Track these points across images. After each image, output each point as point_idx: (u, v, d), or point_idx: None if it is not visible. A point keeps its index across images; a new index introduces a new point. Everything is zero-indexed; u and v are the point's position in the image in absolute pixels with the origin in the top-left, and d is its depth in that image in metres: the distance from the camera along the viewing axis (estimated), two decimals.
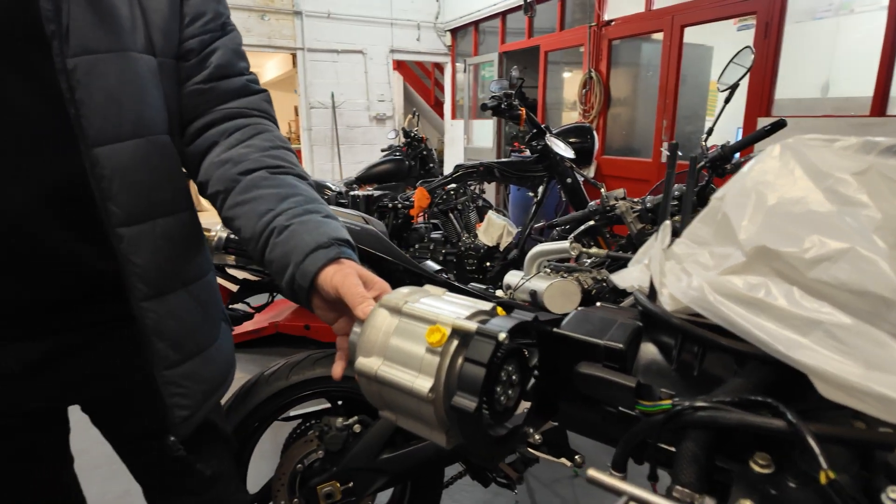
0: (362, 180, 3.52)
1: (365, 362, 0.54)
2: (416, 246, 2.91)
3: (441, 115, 8.85)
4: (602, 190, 1.96)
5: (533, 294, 1.60)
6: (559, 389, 0.59)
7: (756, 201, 0.47)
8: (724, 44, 5.16)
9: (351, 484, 1.35)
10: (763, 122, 3.42)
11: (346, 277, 0.61)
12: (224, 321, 0.86)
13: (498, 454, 0.51)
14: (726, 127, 4.64)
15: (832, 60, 4.47)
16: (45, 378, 0.71)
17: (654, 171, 4.70)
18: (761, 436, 0.43)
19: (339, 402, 1.49)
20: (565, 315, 0.61)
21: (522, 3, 5.55)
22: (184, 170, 0.77)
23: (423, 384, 0.50)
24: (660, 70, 4.61)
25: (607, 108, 5.30)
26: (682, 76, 4.52)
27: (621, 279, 0.61)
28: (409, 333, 0.53)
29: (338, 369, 0.63)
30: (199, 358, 0.76)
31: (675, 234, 0.58)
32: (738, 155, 1.77)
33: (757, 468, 0.41)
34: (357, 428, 1.39)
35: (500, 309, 0.57)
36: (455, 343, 0.51)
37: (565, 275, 1.64)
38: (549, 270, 1.70)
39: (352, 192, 2.85)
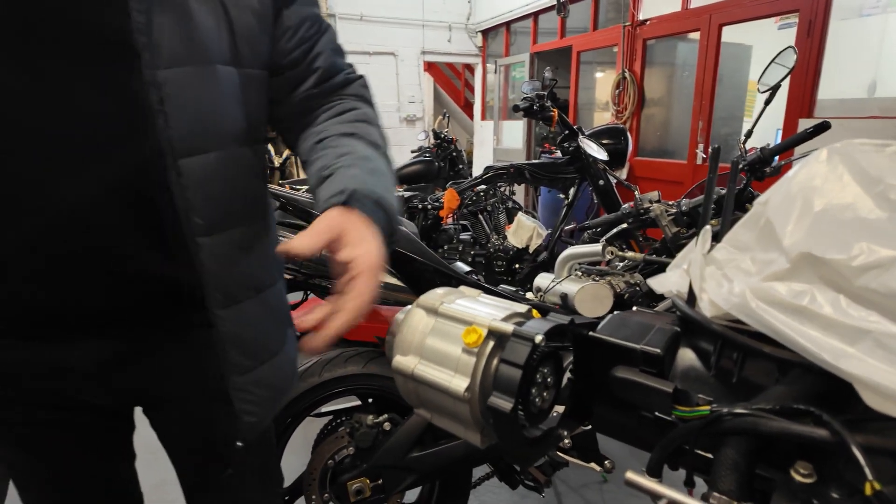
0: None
1: (402, 361, 0.55)
2: (446, 247, 2.92)
3: (471, 116, 8.85)
4: (636, 192, 1.93)
5: (564, 297, 1.59)
6: (594, 393, 0.59)
7: (802, 207, 0.46)
8: (763, 43, 5.01)
9: (380, 481, 1.37)
10: (805, 124, 3.32)
11: (319, 220, 0.60)
12: (290, 327, 0.87)
13: (532, 456, 0.51)
14: (766, 129, 4.52)
15: (880, 59, 4.30)
16: (115, 376, 0.73)
17: (689, 173, 4.61)
18: (803, 445, 0.42)
19: (370, 400, 1.51)
20: (601, 319, 0.60)
21: (556, 3, 5.51)
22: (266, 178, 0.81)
23: (460, 384, 0.50)
24: (696, 70, 4.52)
25: (641, 108, 5.21)
26: (720, 76, 4.42)
27: (659, 284, 0.61)
28: (445, 334, 0.54)
29: (298, 242, 0.57)
30: (269, 364, 0.77)
31: (715, 238, 0.57)
32: (777, 158, 1.73)
33: (799, 477, 0.41)
34: (387, 426, 1.41)
35: (535, 311, 0.57)
36: (491, 344, 0.51)
37: (597, 278, 1.63)
38: (580, 273, 1.69)
39: None
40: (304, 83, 0.77)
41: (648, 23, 4.98)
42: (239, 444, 0.75)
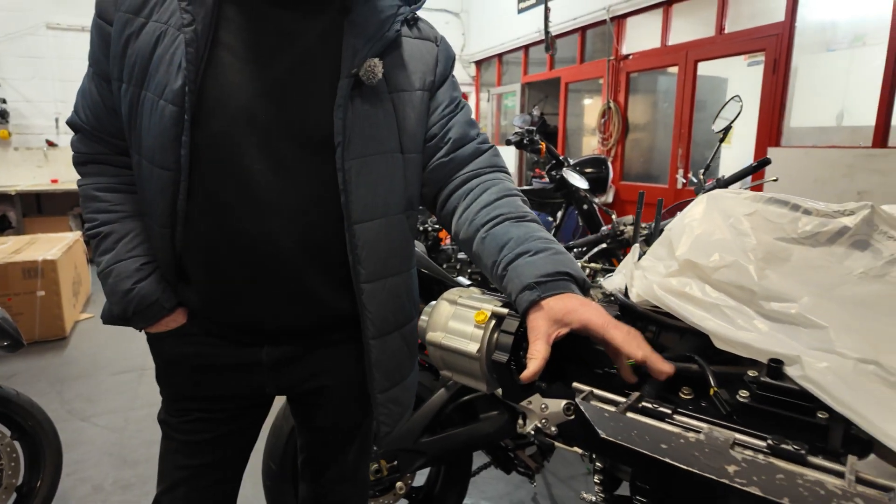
0: None
1: (434, 335, 0.82)
2: (445, 265, 3.19)
3: None
4: (613, 216, 2.21)
5: None
6: (566, 357, 0.85)
7: (688, 232, 0.73)
8: (737, 76, 5.41)
9: (395, 462, 1.61)
10: (773, 153, 3.64)
11: (532, 324, 0.70)
12: (417, 355, 1.05)
13: (522, 396, 0.77)
14: (740, 155, 4.87)
15: (847, 90, 4.66)
16: (286, 371, 0.93)
17: (670, 196, 4.92)
18: (688, 377, 0.69)
19: None
20: None
21: (544, 39, 5.89)
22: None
23: (473, 347, 0.76)
24: (675, 101, 4.87)
25: (625, 136, 5.55)
26: (699, 104, 4.77)
27: (608, 284, 0.88)
28: (462, 316, 0.80)
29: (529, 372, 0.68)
30: (401, 386, 0.97)
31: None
32: (735, 186, 2.02)
33: (683, 396, 0.67)
34: None
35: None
36: (493, 322, 0.78)
37: None
38: None
39: None
40: (437, 153, 0.92)
41: (631, 57, 5.35)
42: (375, 448, 0.99)
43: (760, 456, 0.47)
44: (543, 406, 0.78)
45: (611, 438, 0.49)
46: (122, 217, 0.88)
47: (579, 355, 0.81)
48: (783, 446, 0.48)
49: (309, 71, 0.83)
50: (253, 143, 0.80)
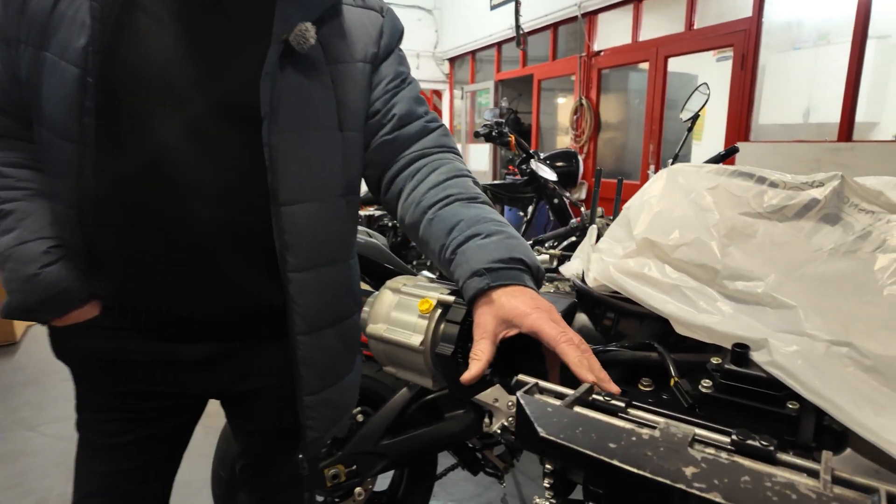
0: (364, 202, 3.74)
1: (374, 328, 0.74)
2: (415, 262, 3.11)
3: None
4: (582, 209, 2.17)
5: None
6: (520, 349, 0.78)
7: (647, 209, 0.67)
8: (706, 73, 5.45)
9: (354, 466, 1.53)
10: (744, 147, 3.66)
11: (479, 318, 0.63)
12: (359, 353, 0.97)
13: (471, 393, 0.70)
14: (711, 152, 4.91)
15: (812, 88, 4.73)
16: (207, 371, 0.85)
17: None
18: (648, 367, 0.63)
19: None
20: None
21: (515, 35, 5.86)
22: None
23: (416, 339, 0.69)
24: (646, 97, 4.88)
25: (597, 133, 5.55)
26: (670, 102, 4.79)
27: (566, 270, 0.81)
28: (406, 306, 0.73)
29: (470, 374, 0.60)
30: (336, 387, 0.88)
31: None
32: None
33: (642, 388, 0.61)
34: (360, 417, 1.57)
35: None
36: (439, 311, 0.70)
37: (546, 283, 1.84)
38: None
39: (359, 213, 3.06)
40: (380, 130, 0.84)
41: (602, 53, 5.36)
42: (300, 456, 0.87)
43: (724, 454, 0.40)
44: (510, 403, 0.72)
45: (551, 437, 0.42)
46: (30, 195, 0.78)
47: (529, 350, 0.74)
48: (749, 442, 0.41)
49: (236, 38, 0.75)
50: (170, 114, 0.72)
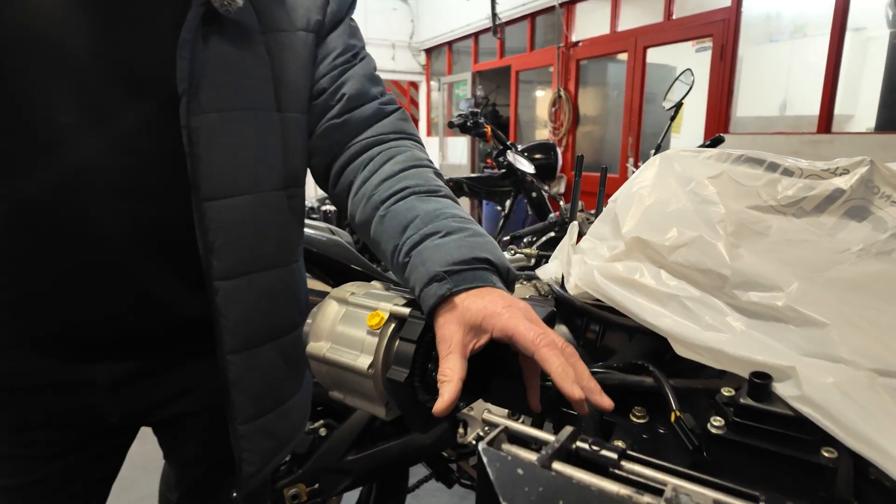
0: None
1: (315, 346, 0.62)
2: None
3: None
4: (561, 203, 2.07)
5: None
6: (490, 369, 0.67)
7: (637, 202, 0.56)
8: (685, 64, 5.41)
9: (317, 485, 1.41)
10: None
11: (442, 330, 0.52)
12: (309, 368, 0.84)
13: (431, 424, 0.59)
14: (691, 143, 4.86)
15: (789, 80, 4.73)
16: (126, 395, 0.71)
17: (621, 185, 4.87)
18: (641, 393, 0.52)
19: None
20: None
21: (491, 25, 5.74)
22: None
23: (364, 361, 0.57)
24: (625, 89, 4.81)
25: (576, 125, 5.48)
26: (649, 95, 4.73)
27: (543, 273, 0.70)
28: (353, 319, 0.61)
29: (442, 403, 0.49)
30: (276, 413, 0.75)
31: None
32: None
33: (635, 419, 0.50)
34: (322, 431, 1.45)
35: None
36: (392, 326, 0.59)
37: (524, 282, 1.73)
38: None
39: (323, 207, 2.92)
40: (328, 112, 0.72)
41: (580, 44, 5.27)
42: (234, 494, 0.74)
43: None
44: (486, 412, 0.62)
45: None
46: None
47: (503, 364, 0.63)
48: None
49: None
50: (64, 87, 0.58)
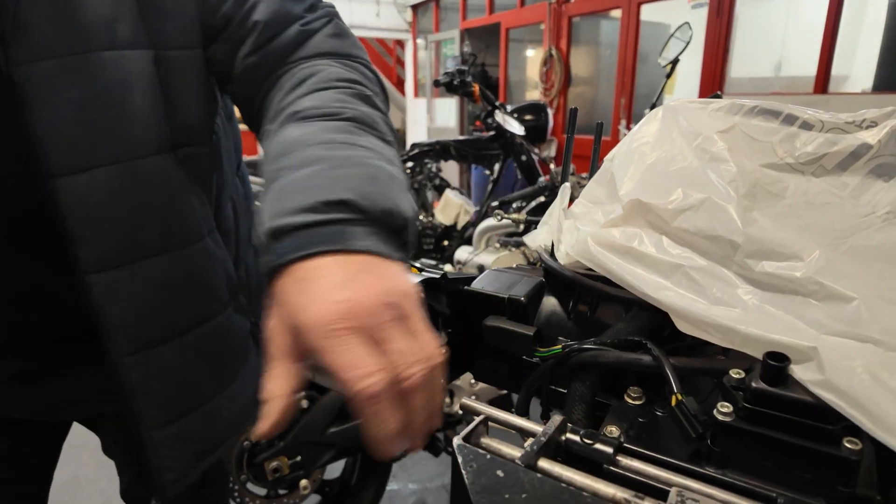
0: None
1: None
2: None
3: (403, 93, 8.76)
4: (551, 166, 2.00)
5: (480, 268, 1.64)
6: (473, 344, 0.62)
7: (637, 160, 0.50)
8: (680, 22, 5.26)
9: (299, 458, 1.38)
10: None
11: (268, 323, 0.38)
12: (243, 363, 0.72)
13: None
14: None
15: (784, 40, 4.62)
16: (26, 391, 0.63)
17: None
18: (637, 373, 0.47)
19: None
20: (478, 275, 0.64)
21: None
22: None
23: None
24: (618, 48, 4.67)
25: (567, 86, 5.34)
26: (642, 55, 4.59)
27: (531, 240, 0.65)
28: None
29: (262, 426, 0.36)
30: (197, 414, 0.65)
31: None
32: None
33: (630, 400, 0.46)
34: (304, 403, 1.41)
35: (413, 268, 0.59)
36: None
37: (512, 248, 1.68)
38: (497, 245, 1.75)
39: None
40: (239, 50, 0.57)
41: (572, 0, 5.08)
42: (152, 502, 0.67)
43: None
44: (472, 381, 0.60)
45: None
46: None
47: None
48: None
49: None
50: None
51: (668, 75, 1.80)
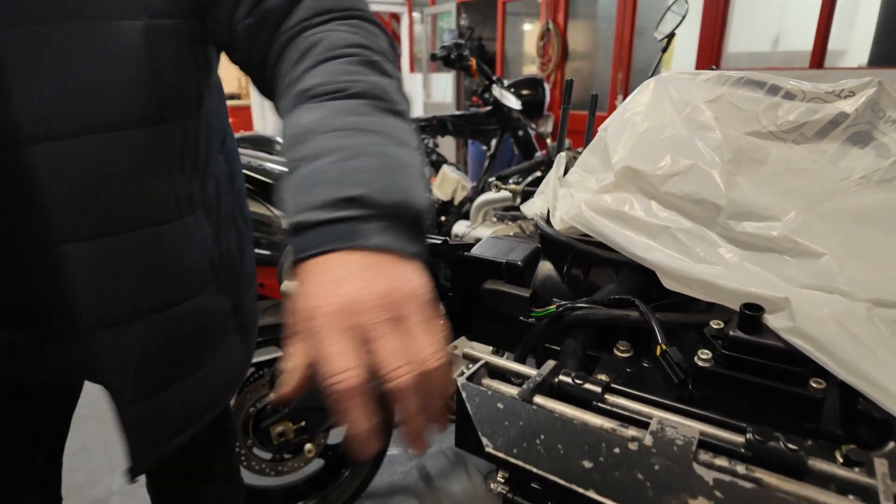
0: None
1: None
2: None
3: (400, 68, 8.64)
4: (548, 141, 2.01)
5: (478, 241, 1.67)
6: (472, 308, 0.65)
7: (630, 129, 0.53)
8: None
9: (303, 423, 1.42)
10: None
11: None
12: (225, 338, 0.71)
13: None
14: None
15: (782, 14, 4.58)
16: (25, 360, 0.62)
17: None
18: (626, 329, 0.51)
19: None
20: (478, 241, 0.67)
21: None
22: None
23: None
24: (615, 21, 4.63)
25: (565, 61, 5.30)
26: (640, 29, 4.55)
27: (527, 209, 0.68)
28: None
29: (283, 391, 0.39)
30: (171, 392, 0.64)
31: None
32: None
33: (619, 353, 0.49)
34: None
35: None
36: None
37: (509, 222, 1.71)
38: (494, 219, 1.77)
39: None
40: (234, 15, 0.54)
41: None
42: (129, 478, 0.64)
43: (740, 468, 0.28)
44: (469, 348, 0.60)
45: (501, 455, 0.29)
46: None
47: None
48: (771, 444, 0.30)
49: None
50: None
51: (665, 50, 1.80)
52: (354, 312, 0.34)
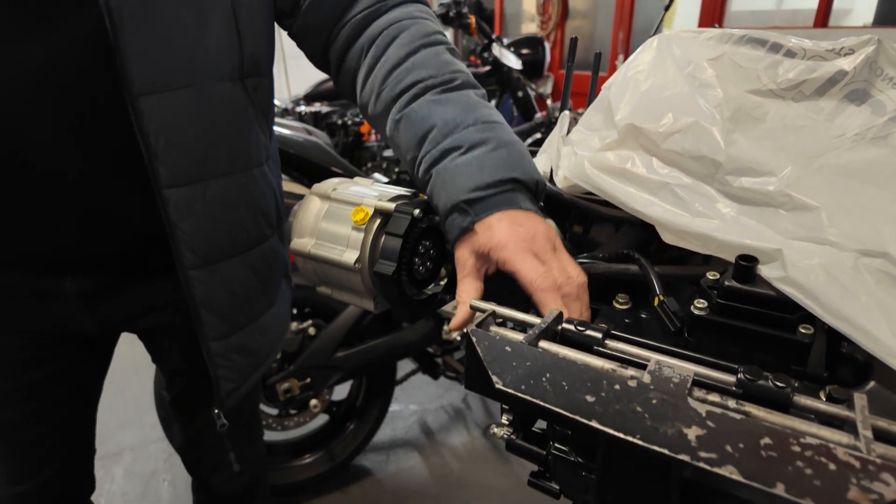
0: (311, 98, 3.41)
1: (299, 242, 0.61)
2: (369, 164, 2.91)
3: None
4: (548, 102, 2.00)
5: None
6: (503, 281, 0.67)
7: (633, 88, 0.54)
8: None
9: (308, 380, 1.47)
10: None
11: (457, 254, 0.54)
12: (286, 280, 0.81)
13: (419, 315, 0.60)
14: None
15: None
16: (98, 306, 0.69)
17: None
18: (626, 282, 0.53)
19: (294, 310, 1.58)
20: None
21: None
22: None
23: (350, 256, 0.57)
24: None
25: (565, 19, 5.18)
26: None
27: None
28: (336, 216, 0.60)
29: (456, 321, 0.51)
30: (251, 328, 0.72)
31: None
32: None
33: (618, 305, 0.51)
34: (311, 331, 1.49)
35: (421, 194, 0.63)
36: (378, 221, 0.58)
37: None
38: None
39: (298, 109, 2.78)
40: None
41: None
42: (216, 411, 0.73)
43: (731, 402, 0.31)
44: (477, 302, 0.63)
45: (510, 391, 0.31)
46: None
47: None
48: (760, 383, 0.32)
49: None
50: None
51: (667, 7, 1.78)
52: (533, 241, 0.49)
